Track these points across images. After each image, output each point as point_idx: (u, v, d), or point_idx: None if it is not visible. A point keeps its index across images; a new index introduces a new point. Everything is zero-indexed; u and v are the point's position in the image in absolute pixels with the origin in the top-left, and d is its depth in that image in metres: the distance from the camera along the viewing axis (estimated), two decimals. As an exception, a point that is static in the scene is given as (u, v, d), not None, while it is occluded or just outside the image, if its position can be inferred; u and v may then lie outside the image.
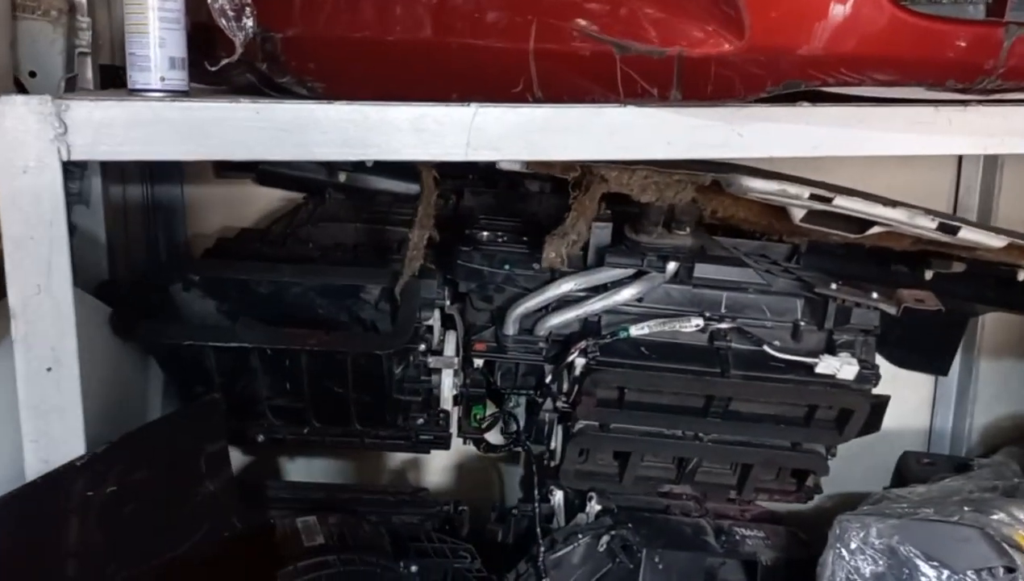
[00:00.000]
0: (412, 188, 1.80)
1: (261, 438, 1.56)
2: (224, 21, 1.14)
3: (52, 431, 1.09)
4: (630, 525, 1.77)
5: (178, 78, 1.19)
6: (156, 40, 1.18)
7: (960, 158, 2.20)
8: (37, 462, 1.12)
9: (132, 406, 1.40)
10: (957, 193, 2.22)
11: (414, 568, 1.56)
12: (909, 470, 2.09)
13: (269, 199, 1.98)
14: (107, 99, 1.05)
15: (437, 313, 1.65)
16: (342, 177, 1.85)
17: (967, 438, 2.36)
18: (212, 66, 1.18)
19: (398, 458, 2.12)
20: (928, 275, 1.81)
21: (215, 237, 1.85)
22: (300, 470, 2.08)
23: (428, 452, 1.77)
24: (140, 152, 1.05)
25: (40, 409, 1.08)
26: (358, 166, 1.85)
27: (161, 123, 1.05)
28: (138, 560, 1.06)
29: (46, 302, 1.05)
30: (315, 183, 1.88)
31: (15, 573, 1.05)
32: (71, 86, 1.36)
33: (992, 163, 2.17)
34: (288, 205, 1.95)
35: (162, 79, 1.18)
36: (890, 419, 2.16)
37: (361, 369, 1.45)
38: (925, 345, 2.21)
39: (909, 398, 2.35)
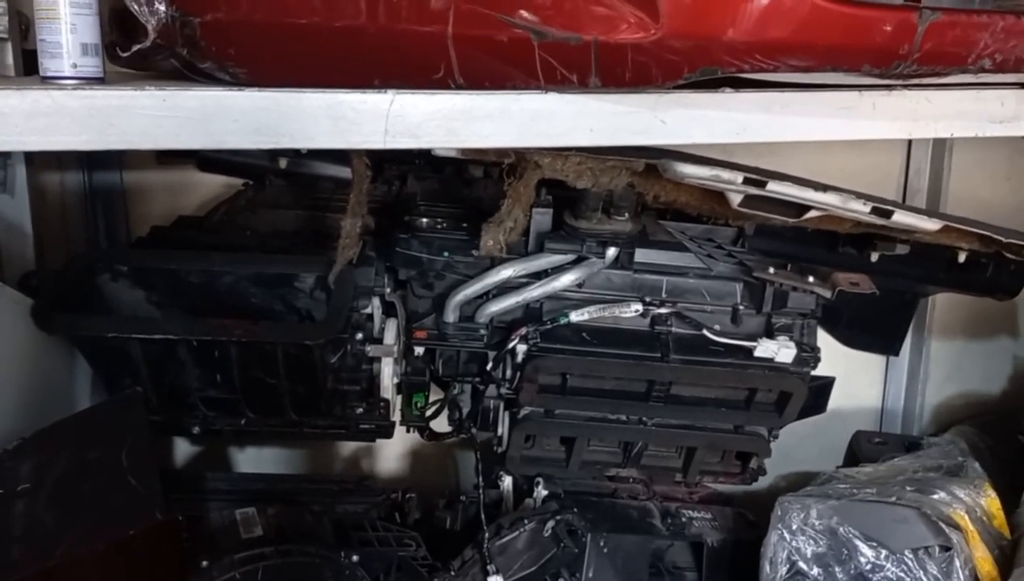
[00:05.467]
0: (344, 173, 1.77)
1: (196, 430, 1.55)
2: (135, 5, 1.11)
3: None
4: (576, 510, 1.78)
5: (91, 65, 1.16)
6: (67, 26, 1.14)
7: (909, 142, 2.20)
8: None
9: (57, 400, 1.38)
10: (907, 176, 2.23)
11: (356, 557, 1.55)
12: (861, 449, 2.10)
13: (212, 185, 1.95)
14: (5, 88, 1.02)
15: (376, 301, 1.63)
16: (283, 163, 1.83)
17: (918, 417, 2.38)
18: (124, 52, 1.15)
19: (351, 447, 2.11)
20: (874, 257, 1.81)
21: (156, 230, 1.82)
22: (250, 460, 2.06)
23: (372, 441, 1.76)
24: (40, 142, 1.02)
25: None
26: (299, 152, 1.82)
27: (61, 112, 1.03)
28: (52, 556, 1.04)
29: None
30: (256, 169, 1.85)
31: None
32: (-13, 73, 1.33)
33: (941, 146, 2.17)
34: (231, 192, 1.92)
35: (74, 66, 1.15)
36: (843, 399, 2.18)
37: (292, 359, 1.43)
38: (876, 326, 2.22)
39: (861, 378, 2.37)
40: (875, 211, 1.42)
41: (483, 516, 1.72)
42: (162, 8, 1.12)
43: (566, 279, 1.59)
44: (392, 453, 2.14)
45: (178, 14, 1.19)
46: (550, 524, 1.74)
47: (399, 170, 1.83)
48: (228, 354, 1.40)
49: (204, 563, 1.38)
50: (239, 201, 1.80)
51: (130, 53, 1.15)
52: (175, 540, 1.21)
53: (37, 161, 1.68)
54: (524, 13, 1.10)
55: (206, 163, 1.88)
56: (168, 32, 1.22)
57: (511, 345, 1.59)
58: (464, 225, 1.62)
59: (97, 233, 1.88)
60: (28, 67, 1.44)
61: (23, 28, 1.44)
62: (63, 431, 1.19)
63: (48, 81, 1.15)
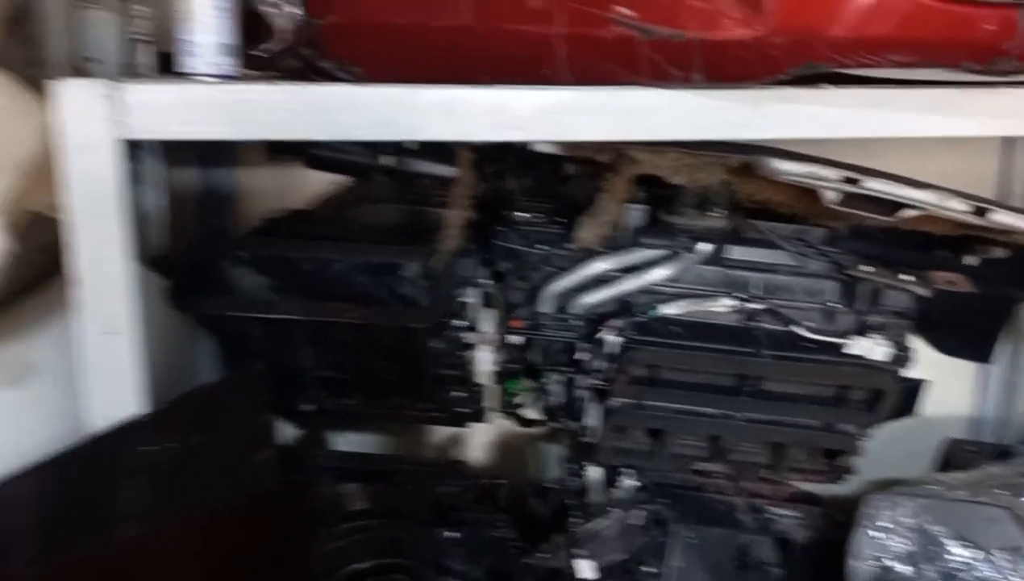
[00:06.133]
0: (453, 171, 1.85)
1: (307, 408, 1.64)
2: (269, 9, 1.21)
3: (108, 393, 1.18)
4: (663, 500, 1.81)
5: (226, 63, 1.26)
6: (205, 26, 1.25)
7: (1008, 143, 2.17)
8: (96, 420, 1.20)
9: (185, 375, 1.49)
10: (1004, 179, 2.19)
11: (452, 534, 1.62)
12: (953, 457, 2.08)
13: (319, 182, 2.05)
14: (159, 82, 1.13)
15: (475, 291, 1.70)
16: (387, 161, 1.91)
17: (1014, 426, 2.33)
18: (259, 52, 1.25)
19: (439, 434, 2.19)
20: (969, 260, 1.80)
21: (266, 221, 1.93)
22: (344, 443, 2.15)
23: (465, 425, 1.83)
24: (189, 132, 1.12)
25: (97, 371, 1.17)
26: (401, 150, 1.90)
27: (209, 105, 1.13)
28: (175, 518, 1.14)
29: (105, 271, 1.14)
30: (360, 166, 1.94)
31: (70, 517, 1.13)
32: (128, 72, 1.44)
33: (1040, 147, 2.14)
34: (336, 188, 2.02)
35: (211, 64, 1.26)
36: (935, 406, 2.15)
37: (399, 343, 1.51)
38: (967, 331, 2.18)
39: (954, 385, 2.33)
40: (974, 210, 1.42)
41: (572, 503, 1.77)
42: (294, 12, 1.21)
43: (659, 273, 1.63)
44: (480, 442, 2.21)
45: (304, 17, 1.29)
46: (638, 513, 1.78)
47: (496, 167, 1.89)
48: (340, 336, 1.49)
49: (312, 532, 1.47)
50: (346, 196, 1.89)
51: (260, 53, 1.25)
52: (290, 509, 1.30)
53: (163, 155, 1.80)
54: (628, 12, 1.16)
55: (313, 160, 1.97)
56: (293, 33, 1.32)
57: (604, 336, 1.63)
58: (559, 219, 1.68)
59: (210, 225, 2.00)
60: (162, 68, 1.56)
61: (157, 31, 1.55)
62: (193, 402, 1.29)
63: (185, 78, 1.26)
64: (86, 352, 1.17)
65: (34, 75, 1.24)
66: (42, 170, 1.10)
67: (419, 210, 1.89)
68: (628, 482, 1.87)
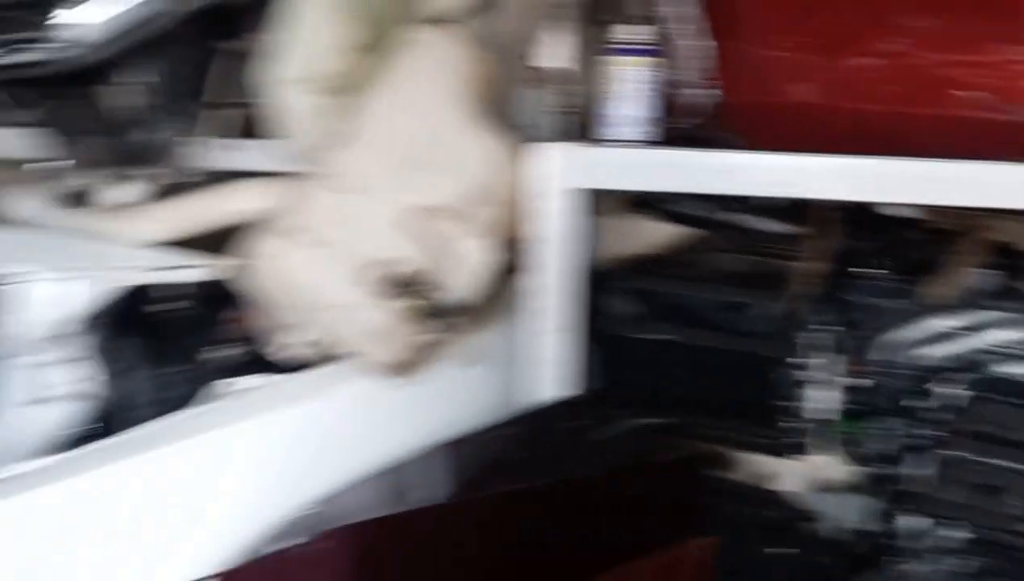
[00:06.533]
0: (787, 228, 2.07)
1: (660, 421, 1.92)
2: (684, 89, 1.52)
3: (543, 377, 1.52)
4: (982, 554, 1.86)
5: (643, 132, 1.59)
6: (632, 102, 1.58)
7: None
8: (529, 398, 1.52)
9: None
10: None
11: (789, 551, 1.82)
12: None
13: (670, 233, 2.34)
14: (606, 147, 1.48)
15: (817, 335, 1.90)
16: (728, 217, 2.17)
17: None
18: (671, 124, 1.57)
19: (750, 462, 2.35)
20: None
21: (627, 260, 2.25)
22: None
23: (792, 456, 2.01)
24: (624, 185, 1.46)
25: (539, 361, 1.52)
26: (739, 208, 2.15)
27: (640, 164, 1.46)
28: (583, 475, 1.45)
29: (554, 285, 1.49)
30: (706, 221, 2.21)
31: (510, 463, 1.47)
32: (557, 136, 1.80)
33: None
34: (685, 238, 2.30)
35: (629, 131, 1.59)
36: None
37: (751, 372, 1.76)
38: None
39: None
40: None
41: (885, 545, 1.89)
42: (708, 92, 1.51)
43: (1000, 335, 1.73)
44: (795, 480, 2.35)
45: (712, 97, 1.58)
46: (956, 563, 1.85)
47: (841, 226, 2.08)
48: (702, 360, 1.77)
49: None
50: (697, 245, 2.17)
51: (677, 126, 1.56)
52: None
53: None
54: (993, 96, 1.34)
55: (669, 214, 2.27)
56: (691, 108, 1.62)
57: (940, 390, 1.76)
58: (901, 277, 1.84)
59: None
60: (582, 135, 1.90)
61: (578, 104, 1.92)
62: (591, 395, 1.61)
63: (609, 144, 1.60)
64: (534, 346, 1.54)
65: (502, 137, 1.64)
66: (515, 207, 1.48)
67: (758, 260, 2.12)
68: (947, 532, 1.94)
